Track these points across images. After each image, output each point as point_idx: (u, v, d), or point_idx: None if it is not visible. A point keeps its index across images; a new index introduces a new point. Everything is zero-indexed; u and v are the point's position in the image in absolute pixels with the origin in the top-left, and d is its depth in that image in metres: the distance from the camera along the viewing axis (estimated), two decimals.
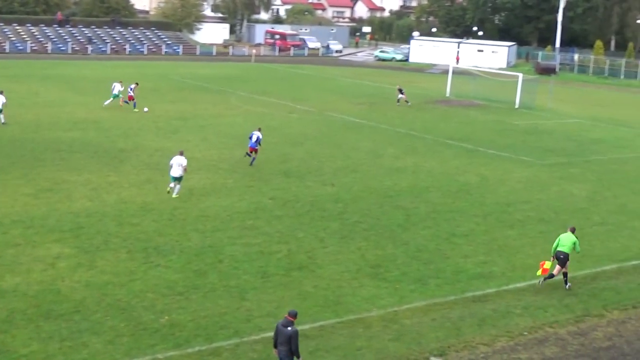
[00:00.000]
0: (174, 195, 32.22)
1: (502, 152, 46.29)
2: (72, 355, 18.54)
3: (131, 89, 55.52)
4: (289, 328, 17.03)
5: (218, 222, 29.30)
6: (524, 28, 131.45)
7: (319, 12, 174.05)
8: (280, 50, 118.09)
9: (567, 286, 24.45)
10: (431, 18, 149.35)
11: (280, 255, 26.01)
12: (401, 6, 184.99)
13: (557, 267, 24.33)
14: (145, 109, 54.21)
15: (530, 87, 72.18)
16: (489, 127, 56.40)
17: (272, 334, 17.82)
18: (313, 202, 32.76)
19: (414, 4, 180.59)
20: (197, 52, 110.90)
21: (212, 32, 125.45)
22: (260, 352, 19.11)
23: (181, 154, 32.70)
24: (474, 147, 47.46)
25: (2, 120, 46.44)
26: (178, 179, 32.29)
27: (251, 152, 39.07)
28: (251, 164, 38.92)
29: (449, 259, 26.59)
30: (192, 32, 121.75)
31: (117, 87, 56.05)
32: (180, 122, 50.68)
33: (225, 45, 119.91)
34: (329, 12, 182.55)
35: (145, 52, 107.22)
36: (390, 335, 20.42)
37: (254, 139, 38.90)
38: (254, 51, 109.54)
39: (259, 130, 39.73)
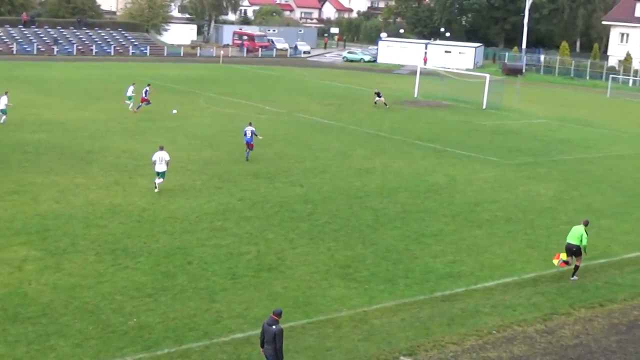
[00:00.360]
0: (156, 190, 33.03)
1: (470, 152, 46.57)
2: (39, 359, 18.36)
3: (145, 92, 55.37)
4: (274, 327, 17.10)
5: (187, 224, 29.18)
6: (490, 29, 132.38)
7: (287, 13, 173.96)
8: (248, 51, 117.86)
9: (572, 278, 25.38)
10: (399, 19, 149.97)
11: (250, 257, 25.96)
12: (369, 7, 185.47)
13: (571, 257, 25.34)
14: (174, 111, 54.38)
15: (498, 87, 72.72)
16: (457, 127, 56.71)
17: (242, 335, 17.79)
18: (282, 203, 32.73)
19: (381, 5, 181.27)
20: (165, 53, 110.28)
21: (180, 33, 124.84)
22: (229, 354, 19.05)
23: (161, 149, 33.62)
24: (442, 147, 47.70)
25: (1, 121, 47.67)
26: (162, 174, 33.37)
27: (249, 147, 40.57)
28: (247, 159, 40.32)
29: (418, 259, 26.69)
30: (160, 33, 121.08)
31: (130, 90, 55.83)
32: (147, 124, 50.38)
33: (193, 46, 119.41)
34: (297, 13, 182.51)
35: (112, 53, 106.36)
36: (360, 336, 20.46)
37: (249, 134, 40.41)
38: (222, 52, 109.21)
39: (251, 124, 41.04)
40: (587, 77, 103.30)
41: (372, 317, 21.68)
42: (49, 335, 19.51)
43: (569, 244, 25.29)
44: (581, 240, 25.13)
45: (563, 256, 25.37)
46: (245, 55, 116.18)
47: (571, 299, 23.99)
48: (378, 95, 65.23)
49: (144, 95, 55.10)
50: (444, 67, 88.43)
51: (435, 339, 20.55)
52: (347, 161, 42.01)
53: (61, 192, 32.63)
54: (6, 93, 48.36)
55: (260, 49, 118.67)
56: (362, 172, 39.57)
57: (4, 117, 47.48)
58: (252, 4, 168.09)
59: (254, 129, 40.74)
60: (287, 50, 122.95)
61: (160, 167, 33.19)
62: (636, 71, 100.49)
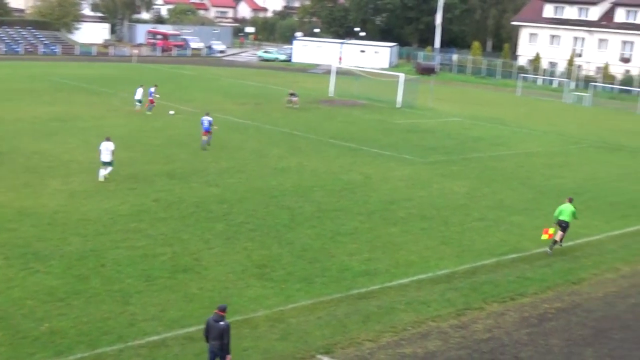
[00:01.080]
0: (100, 179, 34.69)
1: (384, 150, 47.04)
2: None
3: (151, 93, 55.86)
4: (222, 322, 17.21)
5: (100, 226, 28.67)
6: (404, 29, 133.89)
7: (202, 12, 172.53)
8: (162, 50, 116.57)
9: (551, 251, 28.46)
10: (314, 19, 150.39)
11: (165, 258, 25.67)
12: (284, 7, 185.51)
13: (559, 233, 28.42)
14: (171, 112, 54.92)
15: (412, 86, 73.64)
16: (372, 126, 57.20)
17: (157, 337, 17.59)
18: (198, 204, 32.48)
19: (296, 4, 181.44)
20: (77, 52, 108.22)
21: (92, 32, 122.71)
22: (145, 357, 18.79)
23: (108, 139, 35.49)
24: (357, 146, 48.05)
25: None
26: (108, 164, 35.10)
27: (205, 134, 43.79)
28: (204, 147, 43.44)
29: (334, 258, 26.81)
30: (71, 32, 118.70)
31: (139, 92, 56.34)
32: (58, 124, 49.33)
33: (106, 45, 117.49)
34: (212, 12, 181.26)
35: (22, 52, 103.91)
36: (277, 335, 20.45)
37: (206, 123, 43.82)
38: (135, 51, 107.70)
39: (208, 114, 44.61)
40: (498, 76, 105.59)
41: (288, 316, 21.69)
42: None
43: (560, 220, 28.41)
44: (574, 215, 28.60)
45: (552, 231, 28.23)
46: (159, 54, 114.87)
47: (484, 293, 24.45)
48: (293, 95, 65.22)
49: (150, 96, 56.09)
50: (359, 67, 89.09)
51: (351, 336, 20.68)
52: (263, 160, 41.95)
53: None
54: None
55: (174, 48, 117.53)
56: (278, 171, 39.57)
57: None
58: (166, 3, 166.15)
59: (211, 119, 44.09)
60: (202, 49, 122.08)
61: (106, 157, 34.89)
62: (545, 70, 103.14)
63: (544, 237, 28.27)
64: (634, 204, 37.29)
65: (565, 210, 28.54)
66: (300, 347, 19.83)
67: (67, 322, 20.41)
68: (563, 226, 28.47)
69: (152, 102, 55.62)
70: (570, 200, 29.07)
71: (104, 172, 34.95)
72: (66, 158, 39.55)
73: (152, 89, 56.17)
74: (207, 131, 43.67)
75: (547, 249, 28.65)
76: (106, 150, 34.94)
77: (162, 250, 26.43)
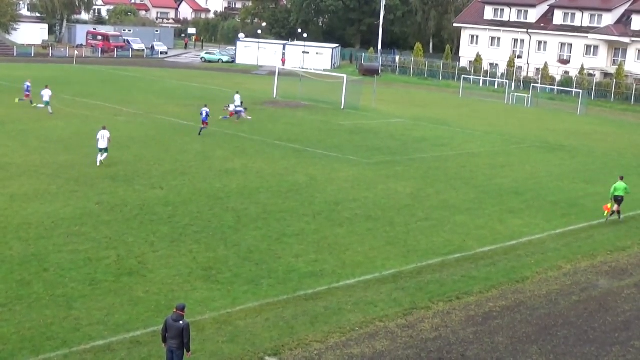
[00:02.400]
0: (97, 164, 38.63)
1: (329, 152, 47.12)
2: None
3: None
4: (181, 322, 17.33)
5: (42, 230, 28.17)
6: (347, 30, 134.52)
7: (143, 13, 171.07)
8: (103, 51, 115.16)
9: (621, 218, 34.58)
10: (256, 20, 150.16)
11: (109, 261, 25.34)
12: (226, 8, 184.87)
13: (616, 206, 34.21)
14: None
15: (355, 88, 73.94)
16: (316, 127, 57.27)
17: (102, 342, 17.35)
18: (142, 206, 32.13)
19: (238, 5, 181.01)
20: (14, 54, 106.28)
21: (30, 33, 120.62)
22: None
23: (104, 128, 39.60)
24: (302, 147, 48.06)
25: (50, 111, 53.70)
26: (105, 150, 39.17)
27: (204, 125, 49.98)
28: (200, 133, 49.47)
29: (280, 259, 26.76)
30: (8, 33, 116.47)
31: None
32: None
33: (45, 46, 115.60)
34: (153, 13, 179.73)
35: None
36: (224, 337, 20.33)
37: (204, 114, 49.93)
38: (75, 52, 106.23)
39: (206, 106, 50.70)
40: (440, 78, 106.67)
41: (235, 318, 21.58)
42: None
43: (616, 196, 34.10)
44: (626, 190, 34.38)
45: (610, 205, 34.25)
46: (99, 55, 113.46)
47: (430, 293, 24.63)
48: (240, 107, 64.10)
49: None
50: (302, 68, 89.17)
51: (299, 338, 20.65)
52: (207, 162, 41.69)
53: None
54: (46, 86, 49.28)
55: (115, 50, 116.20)
56: (223, 173, 39.36)
57: None
58: (106, 4, 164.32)
59: (208, 110, 50.28)
60: (143, 50, 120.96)
61: (102, 144, 39.02)
62: (486, 72, 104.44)
63: (605, 213, 34.28)
64: (574, 203, 37.94)
65: (619, 187, 34.21)
66: (248, 350, 19.74)
67: (10, 327, 20.01)
68: (619, 200, 34.13)
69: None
70: (622, 178, 35.11)
71: (100, 157, 38.97)
72: (5, 161, 38.80)
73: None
74: (205, 121, 49.81)
75: (605, 219, 34.34)
76: (103, 137, 38.92)
77: (107, 253, 26.08)
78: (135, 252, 26.38)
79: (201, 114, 50.26)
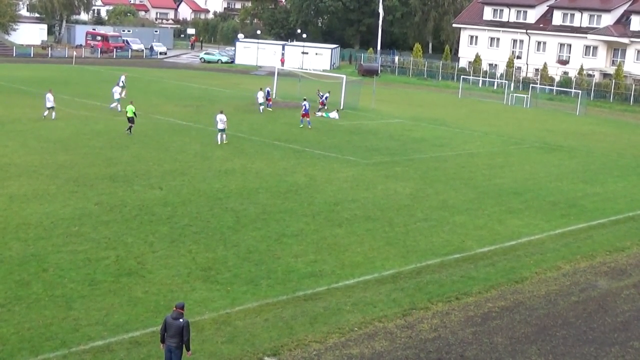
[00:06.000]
0: (219, 142, 46.41)
1: (328, 152, 47.12)
2: None
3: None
4: (181, 320, 17.34)
5: (41, 230, 28.17)
6: (346, 31, 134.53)
7: (142, 13, 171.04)
8: (102, 52, 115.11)
9: None
10: (256, 20, 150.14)
11: (109, 262, 25.34)
12: (225, 8, 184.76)
13: None
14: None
15: (354, 88, 73.91)
16: (315, 127, 57.23)
17: (102, 342, 17.36)
18: (141, 207, 32.13)
19: (238, 6, 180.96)
20: (14, 54, 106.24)
21: (29, 33, 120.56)
22: None
23: (221, 112, 47.27)
24: (301, 147, 48.06)
25: (53, 117, 52.31)
26: (223, 130, 46.99)
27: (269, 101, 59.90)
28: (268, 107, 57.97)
29: (279, 259, 26.76)
30: (8, 33, 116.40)
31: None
32: None
33: (44, 46, 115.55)
34: (152, 14, 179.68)
35: None
36: (223, 338, 20.33)
37: (262, 96, 59.39)
38: (74, 53, 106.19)
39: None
40: (440, 78, 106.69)
41: (235, 318, 21.58)
42: None
43: None
44: None
45: None
46: (99, 56, 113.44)
47: (429, 293, 24.64)
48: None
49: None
50: (302, 68, 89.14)
51: (298, 338, 20.66)
52: (207, 163, 41.68)
53: None
54: (50, 91, 49.56)
55: (114, 50, 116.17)
56: (222, 173, 39.36)
57: None
58: (105, 4, 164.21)
59: (269, 88, 60.48)
60: (142, 51, 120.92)
61: (221, 125, 46.90)
62: (485, 72, 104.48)
63: None
64: (573, 203, 37.95)
65: None
66: (247, 350, 19.74)
67: (9, 328, 20.01)
68: None
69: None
70: None
71: (219, 137, 46.57)
72: (4, 161, 38.80)
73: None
74: (268, 98, 57.02)
75: None
76: (221, 120, 46.77)
77: (106, 254, 26.09)
78: (135, 253, 26.38)
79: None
